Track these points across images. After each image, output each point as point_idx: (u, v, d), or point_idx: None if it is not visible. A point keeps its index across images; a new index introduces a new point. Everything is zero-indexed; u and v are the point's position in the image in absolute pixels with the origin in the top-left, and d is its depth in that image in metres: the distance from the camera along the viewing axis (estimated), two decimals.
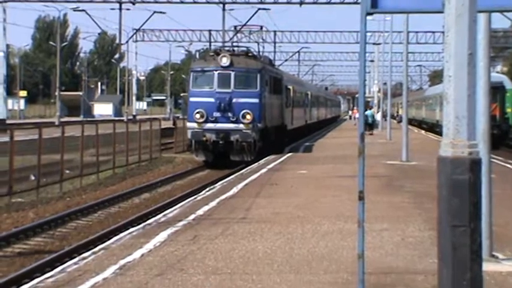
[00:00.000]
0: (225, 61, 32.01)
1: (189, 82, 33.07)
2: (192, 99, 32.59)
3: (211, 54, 33.98)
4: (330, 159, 30.26)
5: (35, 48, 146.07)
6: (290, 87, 42.84)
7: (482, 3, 6.67)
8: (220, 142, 31.70)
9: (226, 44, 49.45)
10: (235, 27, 46.43)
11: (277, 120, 37.14)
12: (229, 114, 31.70)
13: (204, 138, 31.68)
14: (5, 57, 57.94)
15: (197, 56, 39.92)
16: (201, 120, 31.70)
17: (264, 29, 46.29)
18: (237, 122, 31.70)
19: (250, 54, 34.67)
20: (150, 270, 10.02)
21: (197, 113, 31.68)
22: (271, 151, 33.74)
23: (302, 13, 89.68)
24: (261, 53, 38.46)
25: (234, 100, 31.77)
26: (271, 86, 34.93)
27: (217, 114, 31.69)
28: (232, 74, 32.08)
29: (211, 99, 31.76)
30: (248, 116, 31.62)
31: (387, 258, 10.68)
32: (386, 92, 62.46)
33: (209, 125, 31.76)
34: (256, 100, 32.22)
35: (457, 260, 5.74)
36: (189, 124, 32.54)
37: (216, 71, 32.09)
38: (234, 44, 43.04)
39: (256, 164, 29.08)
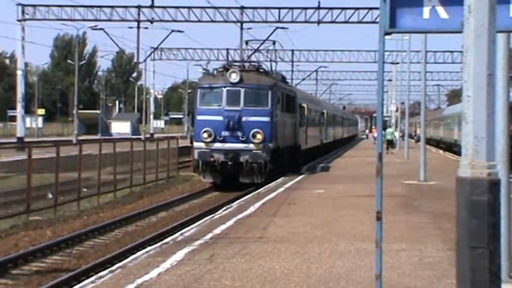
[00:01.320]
0: (234, 77, 30.21)
1: (196, 99, 31.12)
2: (199, 117, 30.61)
3: (220, 70, 31.94)
4: (347, 179, 30.16)
5: (53, 66, 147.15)
6: (304, 105, 41.26)
7: (502, 24, 6.65)
8: (229, 163, 29.87)
9: (236, 60, 48.50)
10: (246, 42, 45.46)
11: (290, 140, 35.40)
12: (239, 134, 30.01)
13: (212, 159, 29.84)
14: (24, 75, 58.22)
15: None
16: (209, 139, 29.92)
17: (277, 44, 45.26)
18: (246, 141, 29.99)
19: (261, 70, 33.11)
20: None
21: (204, 132, 29.98)
22: (284, 172, 32.42)
23: (320, 32, 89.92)
24: (274, 70, 37.04)
25: (243, 118, 30.04)
26: (283, 103, 33.21)
27: (225, 133, 30.02)
28: (242, 90, 30.22)
29: (220, 118, 30.04)
30: (259, 136, 29.94)
31: (405, 279, 10.62)
32: (404, 111, 62.45)
33: (217, 145, 29.98)
34: (267, 119, 30.46)
35: (475, 281, 5.69)
36: (195, 144, 30.53)
37: (224, 87, 30.25)
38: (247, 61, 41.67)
39: (273, 183, 28.94)
